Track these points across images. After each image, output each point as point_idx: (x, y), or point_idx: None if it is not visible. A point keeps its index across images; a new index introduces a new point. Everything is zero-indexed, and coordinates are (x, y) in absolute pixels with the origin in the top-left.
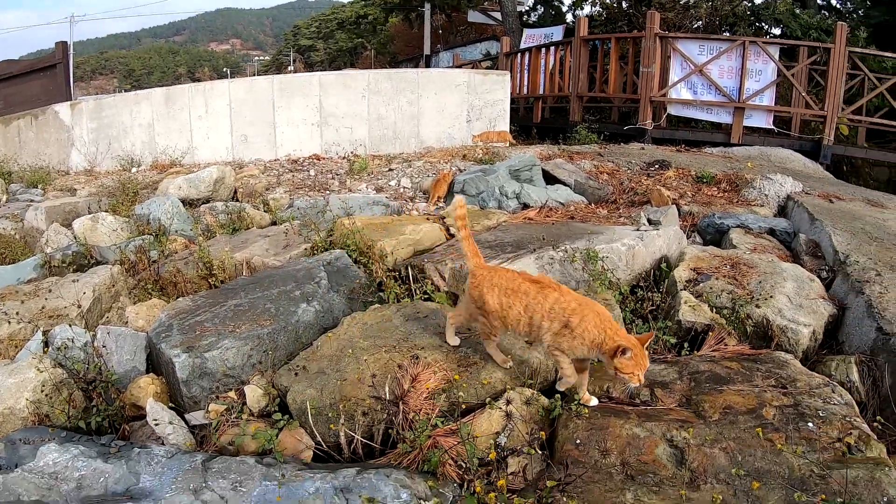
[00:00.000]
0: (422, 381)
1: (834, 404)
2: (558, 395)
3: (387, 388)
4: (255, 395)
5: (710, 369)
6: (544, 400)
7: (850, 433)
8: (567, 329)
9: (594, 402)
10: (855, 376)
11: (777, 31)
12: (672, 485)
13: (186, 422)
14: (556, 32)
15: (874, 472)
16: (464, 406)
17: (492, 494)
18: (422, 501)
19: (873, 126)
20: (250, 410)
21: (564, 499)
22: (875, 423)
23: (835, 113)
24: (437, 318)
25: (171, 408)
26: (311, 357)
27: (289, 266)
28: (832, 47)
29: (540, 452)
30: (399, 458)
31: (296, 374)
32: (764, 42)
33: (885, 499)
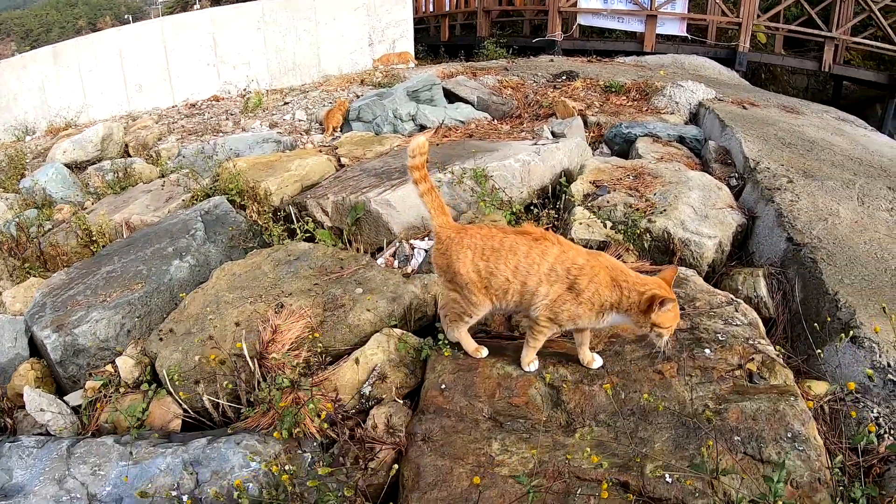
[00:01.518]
0: (284, 331)
1: (736, 325)
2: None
3: (244, 344)
4: (126, 366)
5: None
6: (414, 340)
7: (753, 358)
8: (571, 293)
9: (598, 362)
10: (763, 291)
11: None
12: (546, 430)
13: (68, 404)
14: None
15: (777, 404)
16: (329, 355)
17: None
18: (273, 468)
19: (792, 34)
20: (126, 383)
21: (421, 455)
22: (777, 349)
23: (750, 20)
24: (309, 259)
25: (56, 391)
26: (179, 318)
27: (166, 221)
28: None
29: (401, 402)
30: (258, 419)
31: (161, 338)
32: None
33: (790, 434)
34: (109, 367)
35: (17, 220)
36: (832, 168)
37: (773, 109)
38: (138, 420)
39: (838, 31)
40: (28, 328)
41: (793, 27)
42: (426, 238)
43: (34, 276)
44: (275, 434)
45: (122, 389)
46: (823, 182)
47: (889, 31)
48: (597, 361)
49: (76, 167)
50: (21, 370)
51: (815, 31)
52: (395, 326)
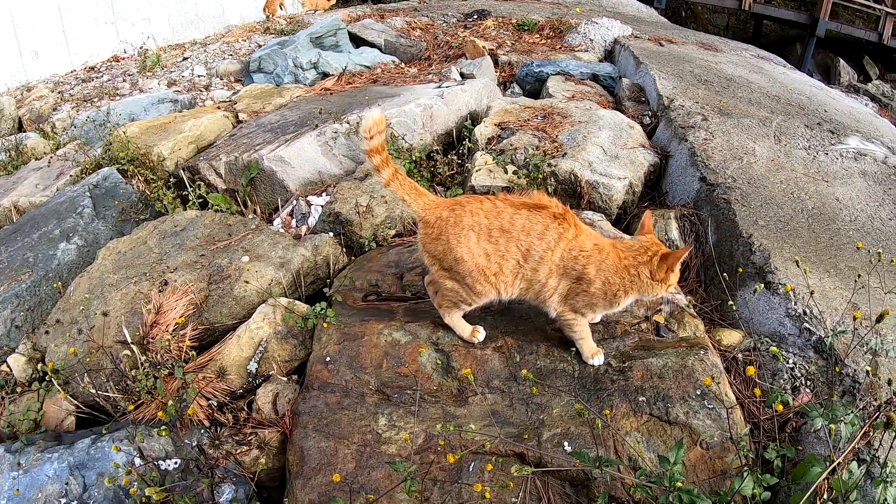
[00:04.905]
0: (167, 311)
1: None
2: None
3: (125, 330)
4: (18, 364)
5: None
6: (302, 308)
7: (660, 309)
8: (582, 283)
9: (600, 358)
10: (675, 233)
11: None
12: (436, 400)
13: None
14: None
15: (686, 359)
16: (217, 332)
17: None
18: (160, 462)
19: None
20: (21, 382)
21: (305, 436)
22: (689, 298)
23: None
24: (196, 227)
25: None
26: (65, 306)
27: (53, 200)
28: None
29: (285, 379)
30: (144, 410)
31: (47, 331)
32: None
33: (699, 391)
34: (4, 367)
35: None
36: (749, 106)
37: (691, 47)
38: (34, 422)
39: None
40: None
41: None
42: (323, 193)
43: None
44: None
45: (18, 389)
46: (739, 120)
47: None
48: (598, 357)
49: None
50: None
51: None
52: (285, 294)
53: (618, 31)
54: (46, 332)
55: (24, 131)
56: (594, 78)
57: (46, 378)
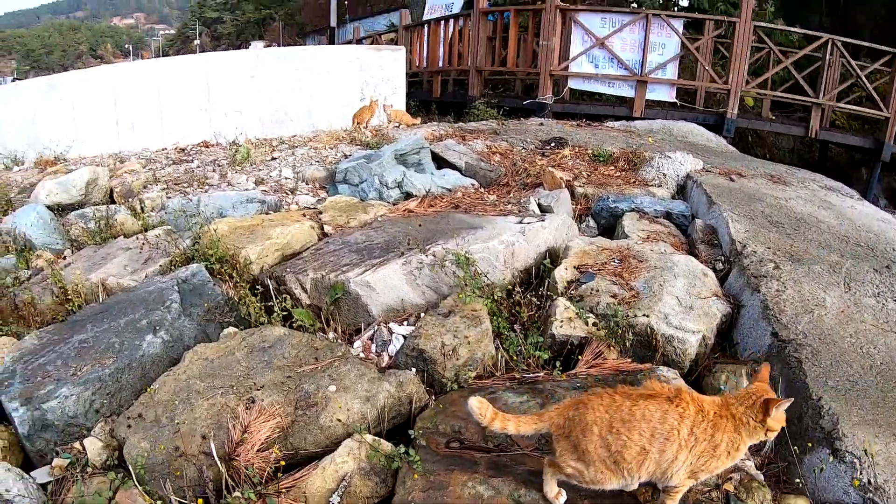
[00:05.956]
0: (254, 430)
1: None
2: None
3: (212, 443)
4: (94, 447)
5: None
6: (386, 447)
7: (731, 477)
8: (711, 448)
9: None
10: None
11: (685, 3)
12: None
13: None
14: (456, 4)
15: None
16: (300, 456)
17: None
18: None
19: (778, 98)
20: (94, 464)
21: None
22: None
23: (739, 86)
24: (283, 347)
25: (23, 460)
26: (149, 402)
27: (142, 287)
28: (737, 21)
29: None
30: None
31: (129, 424)
32: (668, 15)
33: None
34: (78, 445)
35: None
36: (819, 249)
37: (761, 180)
38: None
39: (825, 97)
40: None
41: (781, 94)
42: (404, 322)
43: (5, 334)
44: None
45: (89, 470)
46: (810, 267)
47: (875, 94)
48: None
49: (59, 209)
50: None
51: (803, 98)
52: (369, 428)
53: (690, 166)
54: (129, 426)
55: (114, 202)
56: (668, 216)
57: (124, 468)
